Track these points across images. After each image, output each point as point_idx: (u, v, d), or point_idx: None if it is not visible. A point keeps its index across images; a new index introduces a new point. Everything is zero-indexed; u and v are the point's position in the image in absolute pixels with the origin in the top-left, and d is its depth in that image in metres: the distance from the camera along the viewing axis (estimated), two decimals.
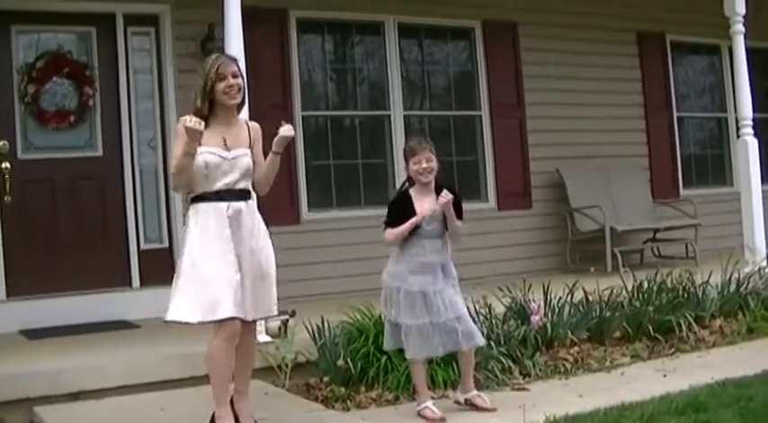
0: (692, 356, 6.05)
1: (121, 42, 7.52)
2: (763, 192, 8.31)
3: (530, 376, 5.53)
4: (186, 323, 4.23)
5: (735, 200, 8.62)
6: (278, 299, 4.55)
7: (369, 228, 7.31)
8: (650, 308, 6.34)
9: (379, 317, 5.19)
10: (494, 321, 5.81)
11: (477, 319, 5.48)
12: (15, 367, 5.28)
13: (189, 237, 4.31)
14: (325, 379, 5.39)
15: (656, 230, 9.66)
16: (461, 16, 9.06)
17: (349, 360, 5.29)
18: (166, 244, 7.57)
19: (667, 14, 10.15)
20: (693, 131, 10.97)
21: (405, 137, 8.26)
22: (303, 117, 8.21)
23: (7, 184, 7.02)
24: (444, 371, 5.26)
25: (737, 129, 8.34)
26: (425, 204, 4.77)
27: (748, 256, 7.79)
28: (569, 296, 6.25)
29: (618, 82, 9.96)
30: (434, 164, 4.83)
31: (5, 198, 7.01)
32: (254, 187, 4.58)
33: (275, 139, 4.43)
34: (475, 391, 4.92)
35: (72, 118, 7.35)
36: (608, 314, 6.27)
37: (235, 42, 5.74)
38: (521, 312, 5.98)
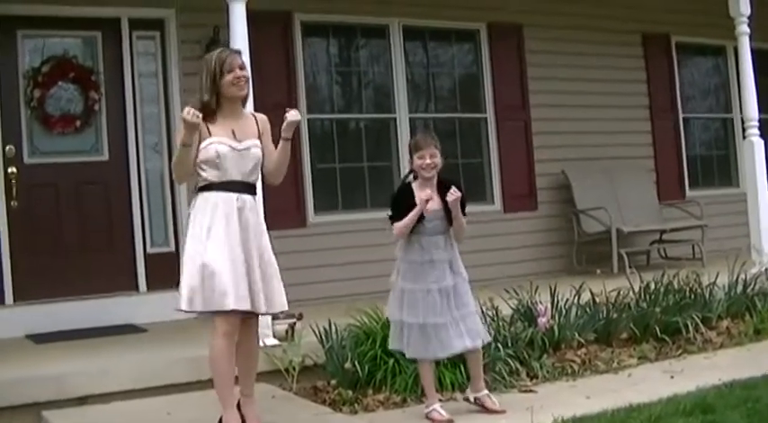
0: (700, 358, 6.04)
1: (127, 46, 7.53)
2: None
3: (537, 378, 5.52)
4: (191, 312, 4.26)
5: (741, 201, 8.61)
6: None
7: (375, 230, 7.32)
8: (657, 309, 6.33)
9: (387, 320, 5.17)
10: (501, 323, 5.82)
11: (484, 320, 5.47)
12: (22, 372, 5.28)
13: (194, 226, 4.30)
14: (333, 382, 5.39)
15: (663, 232, 9.64)
16: (466, 19, 9.06)
17: (356, 363, 5.28)
18: (173, 248, 7.56)
19: (672, 16, 10.14)
20: (699, 132, 10.96)
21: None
22: (309, 120, 8.20)
23: (14, 189, 7.03)
24: (452, 373, 5.25)
25: (743, 129, 8.32)
26: (424, 195, 4.76)
27: (755, 257, 7.78)
28: (576, 298, 6.26)
29: (623, 83, 9.95)
30: (438, 160, 4.82)
31: (12, 203, 7.03)
32: (265, 179, 4.60)
33: (283, 126, 4.44)
34: (485, 391, 4.92)
35: (78, 122, 7.36)
36: (615, 316, 6.26)
37: (240, 46, 5.73)
38: (527, 314, 5.98)
